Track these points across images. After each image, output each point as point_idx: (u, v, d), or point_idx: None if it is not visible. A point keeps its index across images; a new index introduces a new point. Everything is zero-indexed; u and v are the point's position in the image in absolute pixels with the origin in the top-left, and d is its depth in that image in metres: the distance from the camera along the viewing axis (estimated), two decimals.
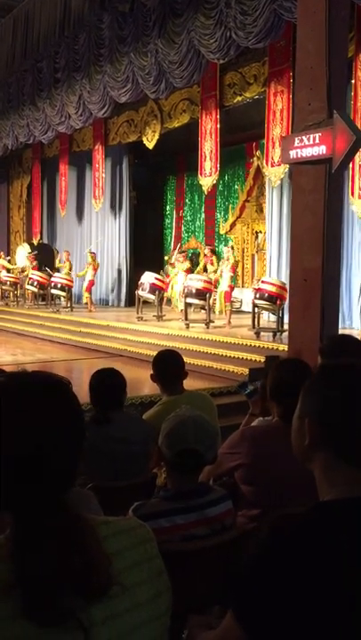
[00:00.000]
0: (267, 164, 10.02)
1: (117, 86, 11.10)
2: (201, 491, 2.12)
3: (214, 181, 11.38)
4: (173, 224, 16.95)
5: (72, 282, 14.22)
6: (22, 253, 16.98)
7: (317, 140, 4.87)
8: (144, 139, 12.97)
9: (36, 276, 14.89)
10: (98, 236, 15.62)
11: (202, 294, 10.29)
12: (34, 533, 0.96)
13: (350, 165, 8.04)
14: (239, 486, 2.44)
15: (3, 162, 18.42)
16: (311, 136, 4.91)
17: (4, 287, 16.51)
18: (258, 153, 12.90)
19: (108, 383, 3.11)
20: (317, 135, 4.87)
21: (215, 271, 11.71)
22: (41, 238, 17.60)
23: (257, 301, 9.15)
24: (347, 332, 8.30)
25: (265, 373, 2.77)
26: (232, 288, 11.01)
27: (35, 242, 17.42)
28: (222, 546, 2.07)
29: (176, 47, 9.53)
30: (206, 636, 1.28)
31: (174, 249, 14.20)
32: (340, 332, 6.27)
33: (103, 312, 13.66)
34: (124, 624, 1.00)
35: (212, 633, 1.22)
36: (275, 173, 9.86)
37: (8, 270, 16.57)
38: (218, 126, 10.88)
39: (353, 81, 8.30)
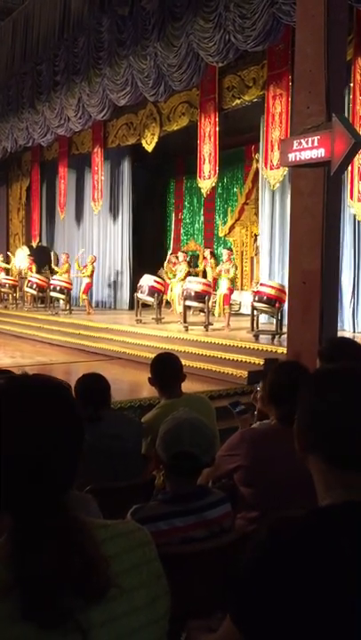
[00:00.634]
0: (266, 166, 10.04)
1: (117, 89, 11.12)
2: (200, 493, 2.12)
3: (213, 184, 11.41)
4: (173, 227, 16.97)
5: (71, 284, 14.23)
6: (22, 256, 16.98)
7: (316, 143, 4.88)
8: (143, 141, 12.99)
9: (35, 278, 14.90)
10: (99, 239, 15.63)
11: (201, 297, 10.29)
12: (33, 534, 0.96)
13: (349, 168, 8.06)
14: (238, 488, 2.44)
15: (2, 164, 18.44)
16: (310, 139, 4.92)
17: (2, 290, 16.51)
18: (257, 156, 12.91)
19: (93, 385, 3.17)
20: (316, 138, 4.88)
21: (215, 269, 11.73)
22: (40, 241, 17.62)
23: (256, 304, 9.16)
24: (338, 333, 8.30)
25: (264, 376, 2.77)
26: (231, 291, 11.01)
27: (34, 244, 17.43)
28: (221, 548, 2.07)
29: (175, 50, 9.56)
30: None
31: (172, 254, 14.19)
32: None
33: (102, 315, 13.66)
34: (123, 627, 1.00)
35: (211, 636, 1.22)
36: (274, 176, 9.88)
37: (7, 272, 16.57)
38: (217, 129, 10.91)
39: (351, 84, 8.33)
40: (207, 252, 13.50)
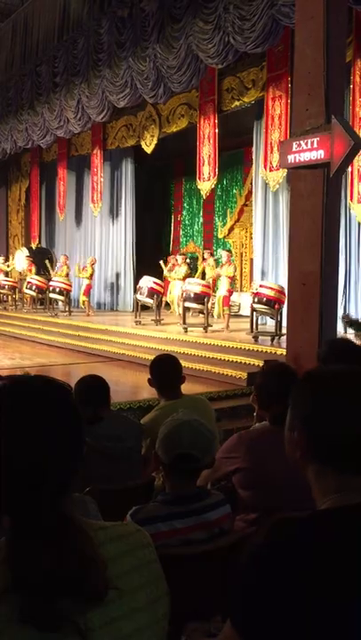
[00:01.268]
0: (265, 168, 10.05)
1: (116, 91, 11.13)
2: (199, 495, 2.12)
3: (213, 186, 11.42)
4: (172, 228, 16.98)
5: (71, 286, 14.22)
6: (21, 257, 16.98)
7: (315, 145, 4.89)
8: (142, 143, 13.00)
9: (35, 280, 14.90)
10: (101, 240, 15.62)
11: (200, 298, 10.29)
12: (31, 536, 0.96)
13: (349, 170, 8.08)
14: (237, 490, 2.44)
15: (1, 166, 18.46)
16: (309, 141, 4.93)
17: (2, 291, 16.51)
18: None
19: (93, 386, 3.17)
20: (315, 140, 4.88)
21: (214, 270, 11.75)
22: (39, 242, 17.61)
23: (255, 305, 9.16)
24: None
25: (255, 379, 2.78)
26: (231, 292, 11.02)
27: (33, 246, 17.42)
28: (221, 550, 2.07)
29: (175, 52, 9.57)
30: None
31: (172, 255, 14.18)
32: None
33: (101, 316, 13.65)
34: (122, 629, 1.00)
35: None
36: (273, 178, 9.90)
37: (6, 274, 16.56)
38: (216, 131, 10.92)
39: (351, 86, 8.34)
40: (206, 254, 13.50)
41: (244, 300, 12.69)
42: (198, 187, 11.61)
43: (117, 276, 15.37)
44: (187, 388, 3.65)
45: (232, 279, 11.23)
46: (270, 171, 9.92)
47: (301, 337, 5.16)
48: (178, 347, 8.90)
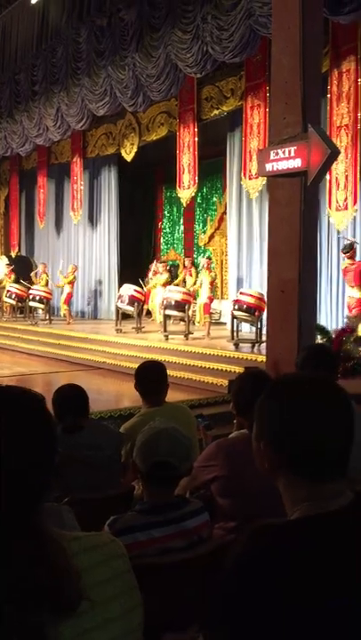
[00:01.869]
0: (245, 176, 10.13)
1: (95, 99, 11.15)
2: (177, 503, 2.11)
3: (193, 194, 11.47)
4: (152, 236, 16.99)
5: (51, 294, 14.15)
6: (1, 266, 16.84)
7: (293, 154, 4.94)
8: (122, 151, 13.02)
9: (15, 288, 14.79)
10: (84, 248, 15.55)
11: (181, 306, 10.31)
12: (1, 548, 0.95)
13: (328, 178, 8.16)
14: (215, 499, 2.44)
15: None
16: (287, 149, 4.98)
17: None
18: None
19: (71, 396, 3.15)
20: (293, 149, 4.94)
21: (194, 283, 11.75)
22: (19, 250, 17.50)
23: (236, 313, 9.20)
24: None
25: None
26: (211, 299, 11.06)
27: (12, 254, 17.31)
28: (200, 558, 2.07)
29: (153, 61, 9.62)
30: None
31: (153, 263, 14.16)
32: None
33: (82, 324, 13.59)
34: None
35: None
36: (253, 186, 9.97)
37: None
38: (196, 139, 10.98)
39: (328, 95, 8.44)
40: (187, 262, 13.53)
41: (224, 308, 12.73)
42: (179, 195, 11.65)
43: (100, 283, 15.31)
44: (168, 395, 3.66)
45: (212, 285, 11.26)
46: (250, 179, 9.99)
47: (281, 344, 5.19)
48: (159, 354, 8.88)
